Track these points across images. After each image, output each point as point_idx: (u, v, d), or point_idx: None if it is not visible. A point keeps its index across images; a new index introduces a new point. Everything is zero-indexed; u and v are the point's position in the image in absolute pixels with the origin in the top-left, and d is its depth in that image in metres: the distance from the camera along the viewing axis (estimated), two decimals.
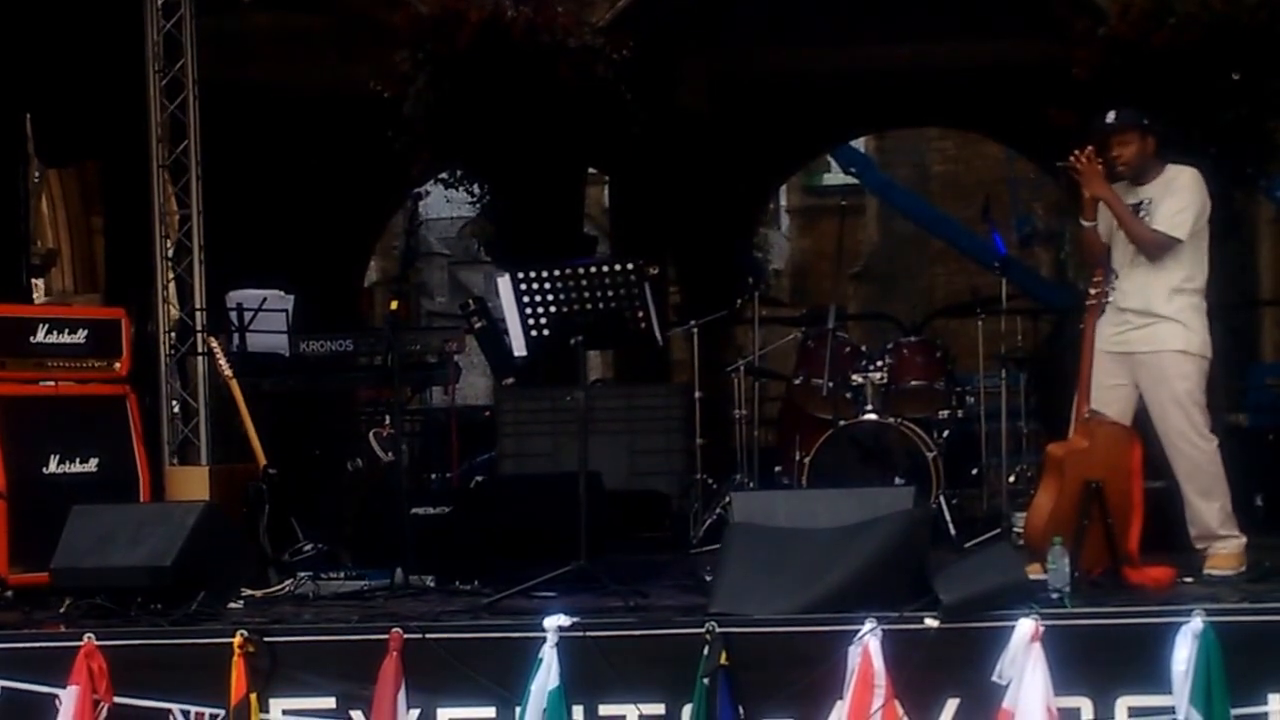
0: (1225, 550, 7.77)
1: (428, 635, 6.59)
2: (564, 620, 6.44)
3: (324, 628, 6.92)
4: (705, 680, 6.26)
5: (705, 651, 6.29)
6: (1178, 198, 7.78)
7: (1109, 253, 7.93)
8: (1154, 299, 7.78)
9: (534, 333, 7.69)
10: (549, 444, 10.76)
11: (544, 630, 6.41)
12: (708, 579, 7.40)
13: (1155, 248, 7.74)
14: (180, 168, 10.67)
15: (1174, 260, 7.80)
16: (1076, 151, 7.80)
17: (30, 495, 8.17)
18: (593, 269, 7.63)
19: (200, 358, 10.30)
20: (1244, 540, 7.83)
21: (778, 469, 10.71)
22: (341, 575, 8.35)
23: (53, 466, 8.35)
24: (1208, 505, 7.76)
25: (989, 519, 10.08)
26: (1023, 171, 24.32)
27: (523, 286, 7.66)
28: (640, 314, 7.61)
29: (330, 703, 6.59)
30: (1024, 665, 6.14)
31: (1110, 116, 7.94)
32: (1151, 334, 7.79)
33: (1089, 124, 8.11)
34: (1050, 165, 19.44)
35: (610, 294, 7.59)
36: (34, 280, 14.54)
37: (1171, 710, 6.20)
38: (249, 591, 7.88)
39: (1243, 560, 7.78)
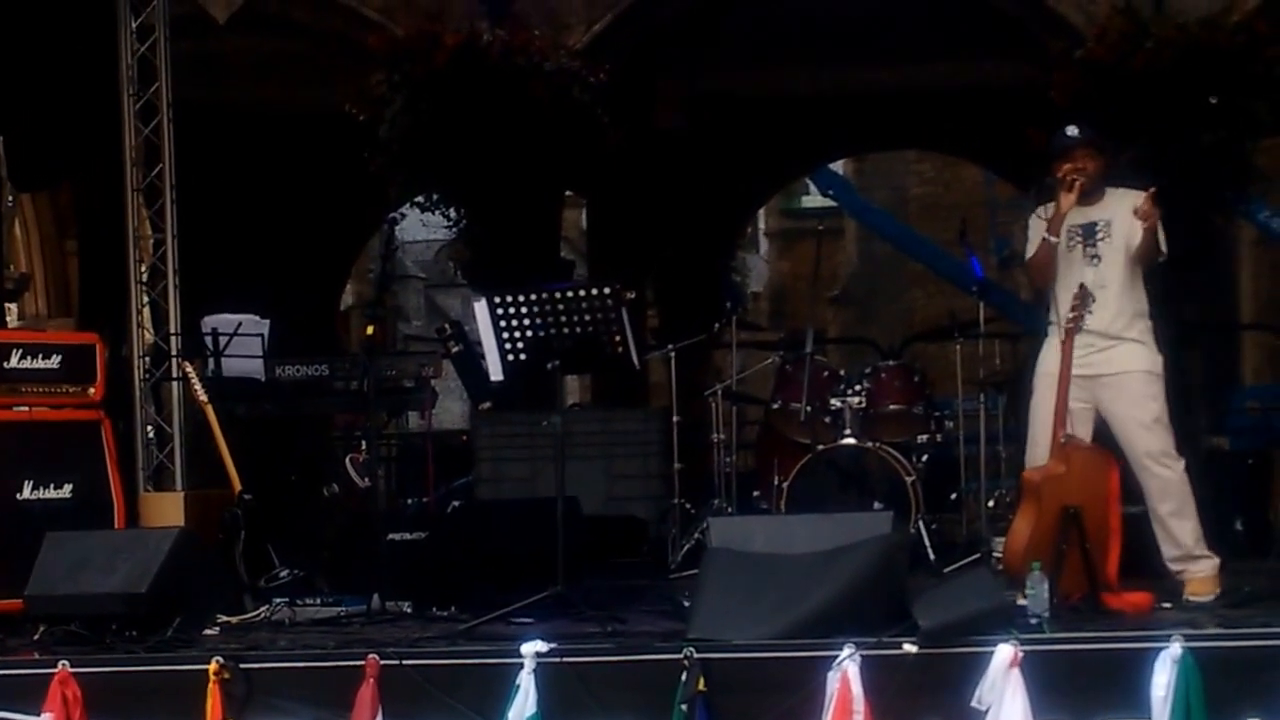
0: (1203, 573, 7.76)
1: (404, 661, 6.56)
2: (541, 646, 6.42)
3: (300, 654, 6.91)
4: (683, 706, 6.24)
5: (683, 677, 6.27)
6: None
7: (1057, 275, 7.92)
8: (1118, 320, 7.82)
9: (511, 357, 7.68)
10: (526, 469, 10.73)
11: (521, 656, 6.39)
12: (686, 604, 7.37)
13: (1149, 257, 7.82)
14: (155, 191, 10.61)
15: (1135, 282, 7.89)
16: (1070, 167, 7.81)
17: (3, 522, 8.14)
18: (569, 293, 7.63)
19: (175, 383, 10.23)
20: (1218, 561, 7.83)
21: (756, 494, 10.68)
22: (318, 601, 8.32)
23: (26, 493, 8.30)
24: (1181, 525, 7.76)
25: (968, 544, 10.06)
26: (1002, 194, 24.34)
27: (499, 311, 7.65)
28: (617, 338, 7.61)
29: None
30: (1003, 691, 6.12)
31: (1073, 131, 7.96)
32: (1117, 356, 7.83)
33: (1051, 140, 8.10)
34: (1029, 188, 19.54)
35: (587, 318, 7.58)
36: (7, 305, 14.43)
37: None
38: (225, 618, 7.86)
39: (1220, 582, 7.77)
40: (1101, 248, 7.88)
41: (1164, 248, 7.87)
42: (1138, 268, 7.90)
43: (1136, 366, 7.84)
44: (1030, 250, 8.04)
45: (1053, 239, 7.87)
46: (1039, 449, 7.77)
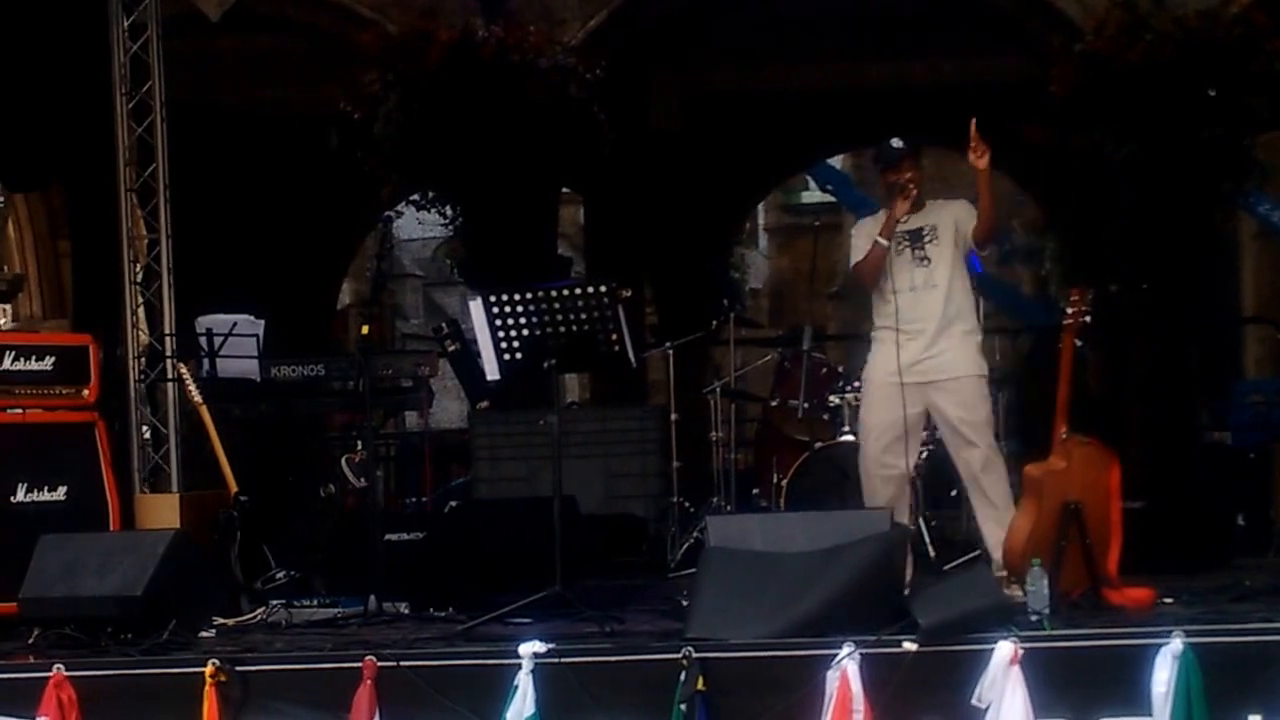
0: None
1: (402, 663, 6.53)
2: (540, 646, 6.39)
3: (297, 656, 6.87)
4: (682, 706, 6.21)
5: (682, 677, 6.24)
6: (971, 213, 8.16)
7: (886, 283, 8.13)
8: (946, 322, 8.02)
9: (507, 356, 7.65)
10: (524, 468, 10.68)
11: (519, 657, 6.36)
12: (684, 603, 7.34)
13: (989, 232, 8.18)
14: (148, 191, 10.59)
15: (963, 285, 8.13)
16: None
17: None
18: (565, 291, 7.60)
19: (170, 384, 10.21)
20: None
21: (755, 491, 10.66)
22: (314, 603, 8.29)
23: (20, 495, 8.27)
24: (997, 531, 7.90)
25: (968, 541, 10.00)
26: (1001, 189, 24.29)
27: (495, 309, 7.62)
28: (614, 336, 7.58)
29: None
30: (1003, 688, 6.10)
31: (898, 142, 8.22)
32: (947, 361, 8.01)
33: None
34: (1028, 182, 19.49)
35: (583, 316, 7.55)
36: (0, 306, 14.45)
37: None
38: (220, 620, 7.83)
39: None
40: (929, 250, 8.11)
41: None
42: (964, 272, 8.16)
43: (966, 371, 8.05)
44: (856, 256, 8.24)
45: (884, 243, 8.09)
46: (870, 455, 8.09)
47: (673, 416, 10.80)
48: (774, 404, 10.38)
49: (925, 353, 8.01)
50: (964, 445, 8.06)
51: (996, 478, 8.05)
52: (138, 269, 10.68)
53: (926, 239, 8.12)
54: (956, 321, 8.08)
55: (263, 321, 10.14)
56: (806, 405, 10.04)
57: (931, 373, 8.01)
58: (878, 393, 8.14)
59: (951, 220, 8.14)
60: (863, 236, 8.21)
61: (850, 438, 9.95)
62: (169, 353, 10.29)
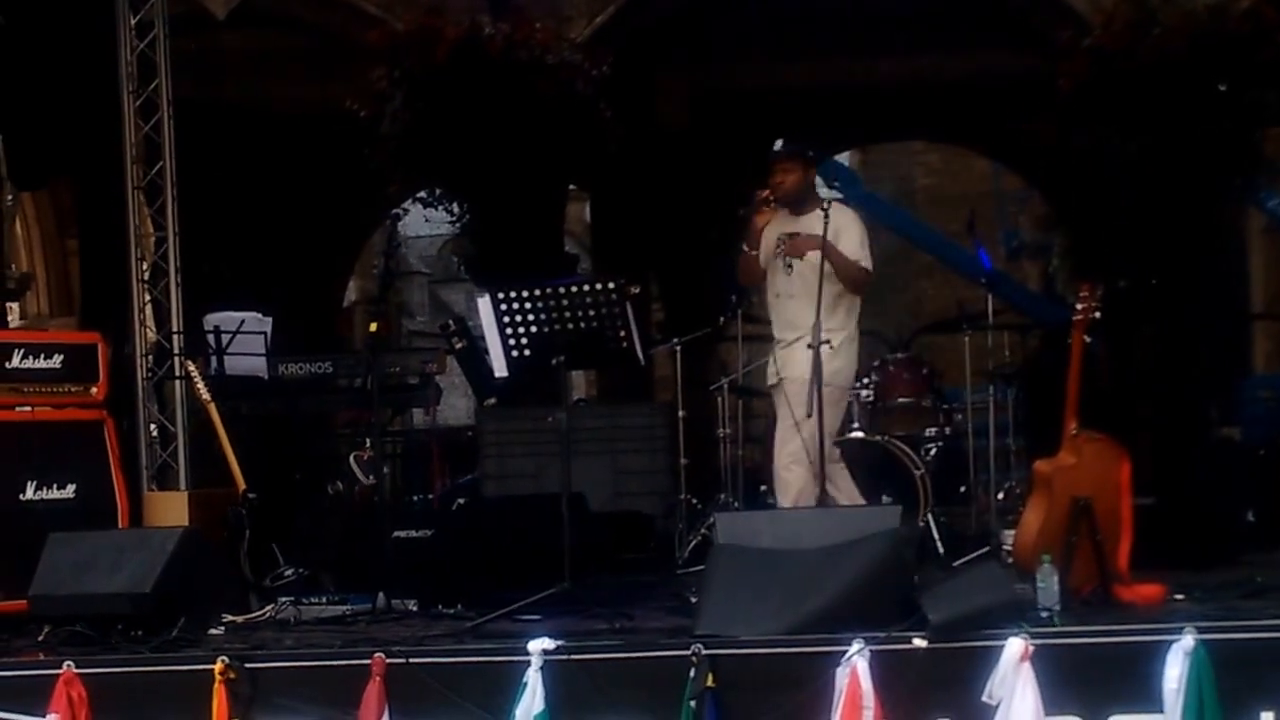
0: None
1: (411, 660, 6.52)
2: (549, 643, 6.38)
3: (306, 653, 6.87)
4: (692, 703, 6.21)
5: (691, 674, 6.23)
6: (854, 232, 8.25)
7: (766, 280, 8.30)
8: (798, 330, 8.13)
9: (515, 353, 7.64)
10: (532, 465, 10.68)
11: (528, 654, 6.35)
12: (693, 600, 7.33)
13: (859, 281, 8.24)
14: (156, 189, 10.59)
15: (838, 293, 8.24)
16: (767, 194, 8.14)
17: (7, 522, 8.11)
18: (573, 288, 7.59)
19: (178, 381, 10.21)
20: None
21: (763, 488, 10.63)
22: (323, 600, 8.28)
23: (29, 493, 8.28)
24: None
25: (978, 537, 10.02)
26: (1009, 185, 24.28)
27: (503, 306, 7.61)
28: (622, 333, 7.58)
29: None
30: (1014, 685, 6.08)
31: (777, 145, 8.31)
32: (794, 362, 8.14)
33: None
34: (1035, 178, 19.50)
35: (591, 313, 7.54)
36: (8, 304, 14.41)
37: None
38: (230, 617, 7.82)
39: None
40: (796, 259, 8.19)
41: (866, 264, 8.25)
42: (835, 281, 8.18)
43: (796, 374, 8.14)
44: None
45: (749, 250, 8.23)
46: (776, 455, 8.25)
47: (680, 413, 10.79)
48: None
49: (780, 357, 8.23)
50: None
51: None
52: (145, 267, 10.68)
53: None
54: (811, 328, 8.07)
55: (270, 319, 10.13)
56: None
57: (782, 373, 8.21)
58: (779, 390, 8.32)
59: (832, 226, 8.15)
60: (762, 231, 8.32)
61: (859, 434, 9.95)
62: (177, 350, 10.29)
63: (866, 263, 8.26)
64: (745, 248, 8.25)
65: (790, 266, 8.22)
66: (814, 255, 8.13)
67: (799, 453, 8.20)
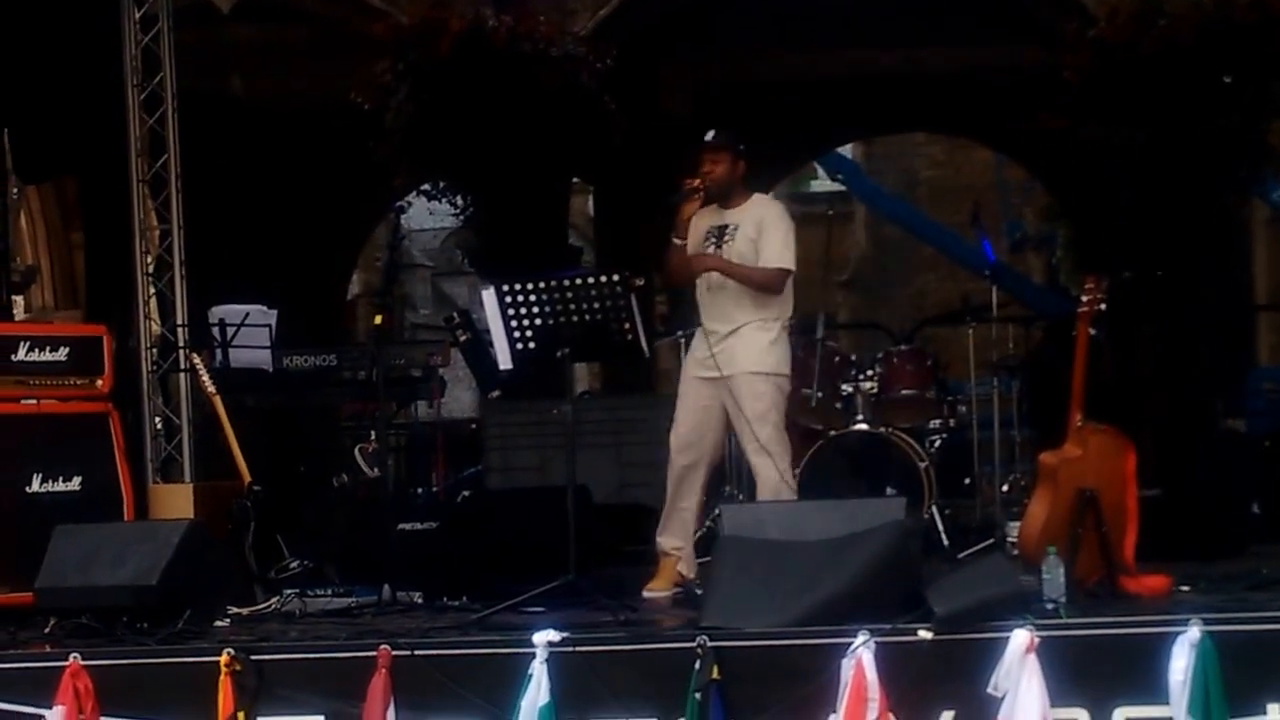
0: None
1: (416, 652, 6.51)
2: (554, 635, 6.37)
3: (311, 645, 6.85)
4: (697, 695, 6.19)
5: (697, 666, 6.22)
6: (779, 229, 8.15)
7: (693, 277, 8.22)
8: (733, 323, 8.11)
9: (519, 345, 7.64)
10: (536, 457, 10.68)
11: (533, 646, 6.34)
12: (698, 592, 7.33)
13: (775, 284, 8.12)
14: (160, 182, 10.60)
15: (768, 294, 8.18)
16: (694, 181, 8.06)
17: (13, 515, 8.11)
18: (578, 281, 7.58)
19: (183, 374, 10.22)
20: None
21: None
22: (328, 592, 8.29)
23: (35, 486, 8.27)
24: None
25: (982, 529, 10.02)
26: (1013, 177, 24.28)
27: (508, 299, 7.61)
28: (626, 325, 7.58)
29: None
30: (1019, 677, 6.07)
31: (709, 135, 8.21)
32: (734, 356, 8.10)
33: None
34: (1040, 170, 19.48)
35: (596, 306, 7.54)
36: (14, 297, 14.42)
37: None
38: (235, 609, 7.82)
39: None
40: (726, 250, 8.17)
41: (782, 262, 8.13)
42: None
43: (749, 367, 8.10)
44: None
45: (678, 241, 8.15)
46: (673, 446, 8.27)
47: None
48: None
49: (715, 349, 8.12)
50: (746, 438, 8.18)
51: (765, 472, 8.16)
52: (150, 260, 10.70)
53: (727, 237, 8.18)
54: (744, 322, 8.13)
55: (275, 312, 10.13)
56: (820, 394, 10.03)
57: (718, 369, 8.12)
58: (683, 386, 8.33)
59: (754, 221, 8.16)
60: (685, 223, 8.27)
61: (863, 426, 9.95)
62: (182, 343, 10.31)
63: (787, 262, 8.17)
64: (674, 239, 8.16)
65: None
66: (743, 246, 8.13)
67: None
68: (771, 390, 8.18)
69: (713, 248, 8.18)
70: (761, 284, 8.12)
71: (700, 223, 8.22)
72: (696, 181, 8.08)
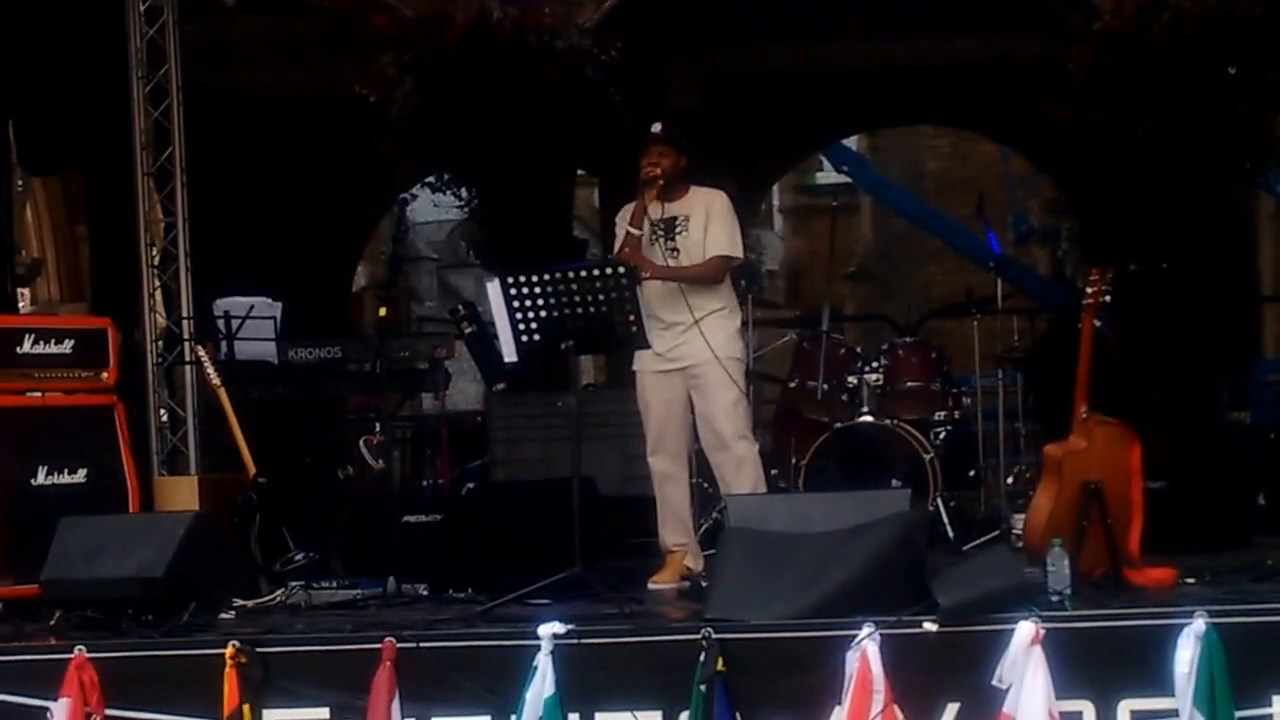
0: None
1: (421, 644, 6.52)
2: (559, 627, 6.38)
3: (317, 638, 6.86)
4: (702, 687, 6.20)
5: (702, 658, 6.23)
6: (726, 221, 8.23)
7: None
8: (695, 312, 8.12)
9: (524, 338, 7.63)
10: (541, 450, 10.69)
11: (539, 638, 6.34)
12: (703, 584, 7.33)
13: (716, 273, 8.19)
14: (165, 175, 10.61)
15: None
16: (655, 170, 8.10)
17: (18, 507, 8.10)
18: (583, 273, 7.58)
19: (188, 366, 10.23)
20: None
21: (774, 472, 10.63)
22: (334, 584, 8.29)
23: (41, 478, 8.27)
24: None
25: (987, 521, 10.02)
26: (1018, 169, 24.27)
27: (512, 291, 7.60)
28: (631, 318, 7.57)
29: (324, 713, 6.53)
30: (1024, 669, 6.08)
31: (656, 127, 8.25)
32: (695, 347, 8.13)
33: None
34: (1046, 162, 19.46)
35: (600, 298, 7.54)
36: (19, 290, 14.45)
37: (1175, 713, 6.13)
38: (240, 602, 7.82)
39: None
40: (679, 241, 8.21)
41: (731, 250, 8.22)
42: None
43: (721, 354, 8.16)
44: (617, 246, 8.27)
45: (635, 232, 8.15)
46: (655, 440, 8.31)
47: None
48: (792, 385, 10.37)
49: (676, 341, 8.15)
50: (707, 430, 8.25)
51: (734, 465, 8.23)
52: (155, 252, 10.71)
53: (678, 230, 8.21)
54: (706, 311, 8.17)
55: (280, 304, 10.13)
56: (825, 386, 10.03)
57: (681, 360, 8.16)
58: (644, 380, 8.32)
59: (704, 210, 8.20)
60: (622, 224, 8.27)
61: (869, 418, 9.95)
62: (187, 336, 10.31)
63: (735, 251, 8.27)
64: (632, 230, 8.17)
65: (676, 250, 8.21)
66: (696, 233, 8.18)
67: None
68: (741, 378, 8.34)
69: (661, 240, 8.20)
70: (700, 277, 8.19)
71: (642, 216, 8.22)
72: (657, 171, 8.10)
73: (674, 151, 8.22)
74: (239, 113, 14.67)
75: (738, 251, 8.30)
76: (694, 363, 8.19)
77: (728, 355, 8.21)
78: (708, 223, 8.20)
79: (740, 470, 8.26)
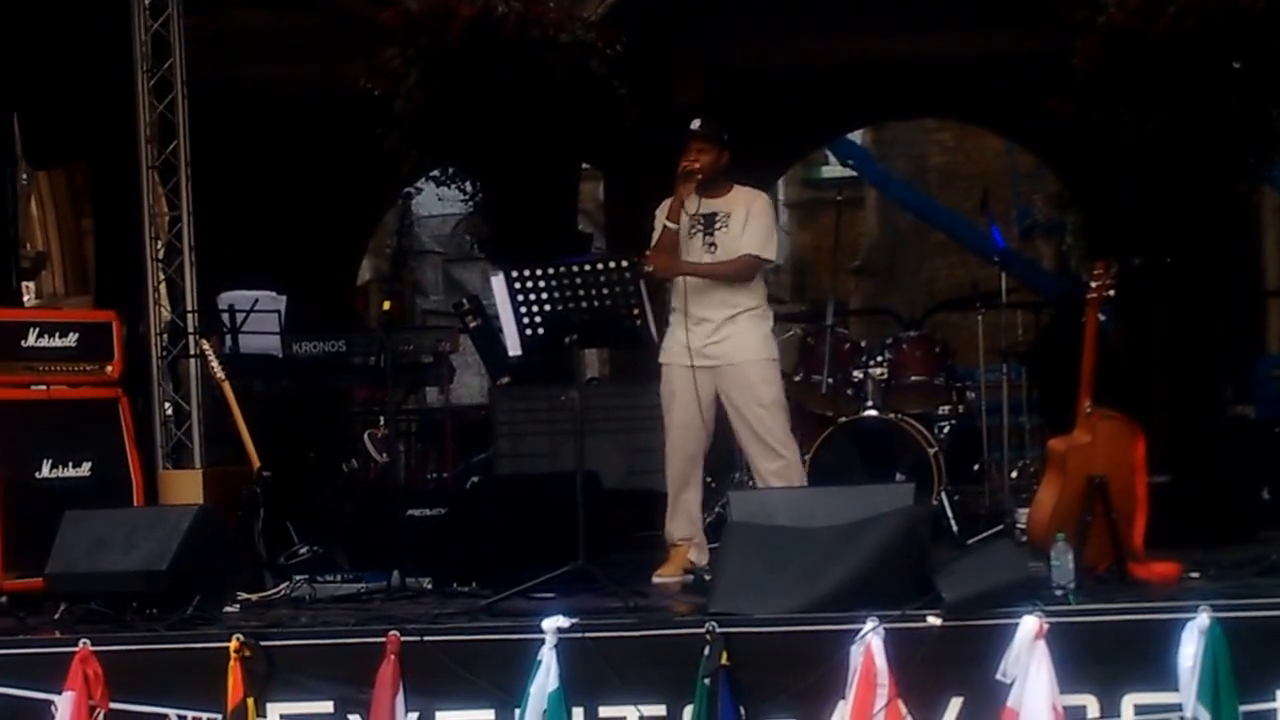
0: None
1: (425, 638, 6.54)
2: (563, 621, 6.39)
3: (321, 631, 6.87)
4: (706, 681, 6.21)
5: (706, 652, 6.24)
6: (763, 221, 8.23)
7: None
8: (729, 309, 8.13)
9: (529, 331, 7.64)
10: (545, 443, 10.69)
11: (543, 631, 6.36)
12: (707, 578, 7.33)
13: (747, 271, 8.20)
14: (169, 168, 10.62)
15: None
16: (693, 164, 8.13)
17: (23, 500, 8.12)
18: (587, 267, 7.58)
19: (192, 360, 10.24)
20: None
21: None
22: (338, 578, 8.29)
23: (45, 471, 8.30)
24: None
25: (991, 515, 10.01)
26: (1023, 163, 24.24)
27: (517, 285, 7.61)
28: (635, 311, 7.58)
29: (328, 707, 6.54)
30: (1028, 663, 6.08)
31: (695, 124, 8.30)
32: (731, 346, 8.14)
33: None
34: (1050, 156, 19.44)
35: (605, 292, 7.54)
36: (24, 283, 14.46)
37: (1178, 707, 6.14)
38: (245, 595, 7.83)
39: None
40: (719, 237, 8.21)
41: (763, 251, 8.22)
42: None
43: (749, 355, 8.16)
44: (655, 239, 8.29)
45: (671, 225, 8.17)
46: (678, 436, 8.31)
47: None
48: (797, 379, 10.35)
49: (710, 339, 8.14)
50: (747, 432, 8.24)
51: (777, 468, 8.20)
52: (159, 246, 10.71)
53: (718, 225, 8.21)
54: (742, 309, 8.18)
55: (284, 297, 10.14)
56: (830, 380, 10.02)
57: (716, 358, 8.15)
58: (673, 375, 8.31)
59: (744, 209, 8.20)
60: (660, 218, 8.28)
61: (873, 412, 9.95)
62: (191, 329, 10.31)
63: (768, 253, 8.27)
64: (669, 224, 8.18)
65: (714, 246, 8.21)
66: (735, 230, 8.18)
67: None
68: (778, 377, 8.31)
69: (700, 234, 8.21)
70: (730, 274, 8.20)
71: (678, 210, 8.23)
72: (695, 165, 8.08)
73: (714, 147, 8.25)
74: (244, 106, 14.67)
75: (770, 254, 8.29)
76: (729, 361, 8.18)
77: (763, 356, 8.23)
78: (746, 221, 8.20)
79: (791, 480, 8.24)
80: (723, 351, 8.17)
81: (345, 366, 9.94)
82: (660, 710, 6.36)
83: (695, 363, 8.16)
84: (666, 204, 8.28)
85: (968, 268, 21.93)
